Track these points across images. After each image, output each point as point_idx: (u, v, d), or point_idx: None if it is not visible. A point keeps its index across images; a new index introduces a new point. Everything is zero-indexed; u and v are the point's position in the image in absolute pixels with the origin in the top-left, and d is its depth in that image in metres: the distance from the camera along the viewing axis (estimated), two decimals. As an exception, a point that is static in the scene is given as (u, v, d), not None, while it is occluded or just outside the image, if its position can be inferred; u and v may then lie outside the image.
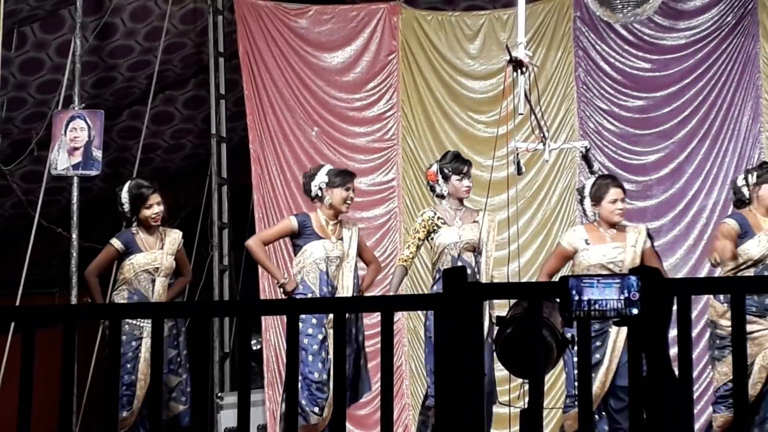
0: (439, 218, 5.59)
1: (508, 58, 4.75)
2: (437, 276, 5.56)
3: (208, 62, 8.09)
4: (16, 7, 6.82)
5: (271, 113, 7.52)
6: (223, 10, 8.05)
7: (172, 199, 8.53)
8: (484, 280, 5.46)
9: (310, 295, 5.49)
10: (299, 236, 5.61)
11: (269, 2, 7.61)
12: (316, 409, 5.42)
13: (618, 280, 2.82)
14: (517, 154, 5.21)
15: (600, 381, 5.18)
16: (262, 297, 7.26)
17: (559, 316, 3.54)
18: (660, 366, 2.83)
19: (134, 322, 5.44)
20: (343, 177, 5.67)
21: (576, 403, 5.12)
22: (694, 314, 5.30)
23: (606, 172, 6.93)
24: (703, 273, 7.01)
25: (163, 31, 7.60)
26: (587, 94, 7.34)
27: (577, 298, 2.82)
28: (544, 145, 5.28)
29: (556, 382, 6.54)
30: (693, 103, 7.22)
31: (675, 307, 2.97)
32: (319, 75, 7.59)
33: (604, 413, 5.27)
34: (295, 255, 5.69)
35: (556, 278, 5.36)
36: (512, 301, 4.76)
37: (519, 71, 4.75)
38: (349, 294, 5.61)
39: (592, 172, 5.74)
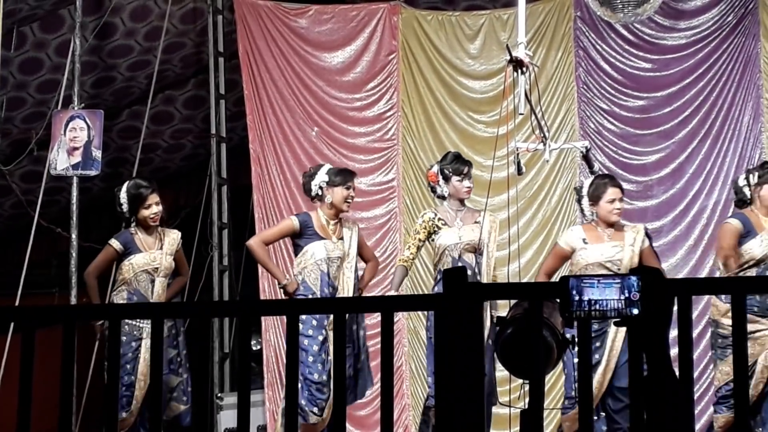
0: (439, 219, 5.59)
1: (508, 57, 4.75)
2: (438, 277, 5.56)
3: (208, 62, 8.09)
4: (16, 7, 6.82)
5: (271, 113, 7.52)
6: (222, 9, 8.05)
7: (171, 199, 8.54)
8: (485, 280, 5.46)
9: (310, 296, 5.49)
10: (300, 236, 5.60)
11: (269, 2, 7.61)
12: (315, 410, 5.42)
13: (618, 280, 2.82)
14: (518, 154, 5.21)
15: (598, 381, 5.18)
16: (262, 297, 7.26)
17: (560, 316, 3.54)
18: (660, 366, 2.83)
19: (134, 322, 5.43)
20: (344, 176, 5.67)
21: (574, 404, 5.14)
22: (694, 314, 5.30)
23: (603, 172, 6.95)
24: (703, 273, 7.01)
25: (162, 31, 7.59)
26: (588, 94, 7.33)
27: (577, 298, 2.81)
28: (545, 145, 5.28)
29: (557, 382, 6.53)
30: (694, 103, 7.22)
31: (675, 308, 2.96)
32: (319, 75, 7.58)
33: (602, 414, 5.27)
34: (296, 255, 5.69)
35: (555, 278, 5.37)
36: (512, 302, 4.76)
37: (519, 71, 4.75)
38: (350, 293, 5.60)
39: (592, 172, 5.74)
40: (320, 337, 5.48)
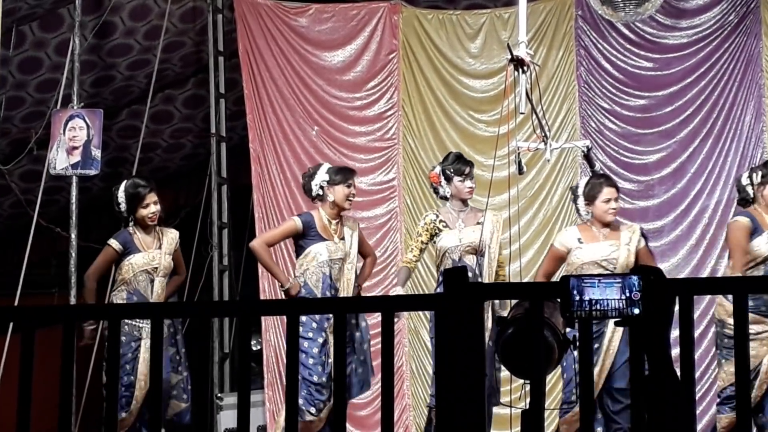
0: (441, 221, 5.60)
1: (509, 57, 4.74)
2: (440, 279, 5.56)
3: (208, 61, 8.08)
4: (15, 6, 6.81)
5: (271, 112, 7.51)
6: (222, 8, 8.04)
7: (171, 199, 8.53)
8: (486, 282, 5.45)
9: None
10: (303, 237, 5.60)
11: (269, 1, 7.60)
12: (313, 410, 5.43)
13: (619, 280, 2.80)
14: (518, 153, 5.20)
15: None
16: (262, 297, 7.25)
17: (561, 316, 3.52)
18: (661, 366, 2.81)
19: (133, 322, 5.42)
20: (344, 174, 5.67)
21: (570, 408, 5.14)
22: (696, 314, 5.29)
23: (605, 172, 6.94)
24: (705, 273, 7.00)
25: (162, 30, 7.58)
26: (589, 93, 7.33)
27: (578, 298, 2.80)
28: (546, 144, 5.27)
29: (558, 382, 6.52)
30: (695, 103, 7.21)
31: (677, 308, 2.95)
32: (320, 74, 7.57)
33: (599, 415, 5.26)
34: (297, 256, 5.68)
35: (555, 279, 5.36)
36: (513, 302, 4.75)
37: (520, 70, 4.74)
38: (350, 292, 5.60)
39: (593, 172, 5.74)
40: (320, 339, 5.48)
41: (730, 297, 5.19)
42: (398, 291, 5.58)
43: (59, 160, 6.78)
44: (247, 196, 7.81)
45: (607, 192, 5.36)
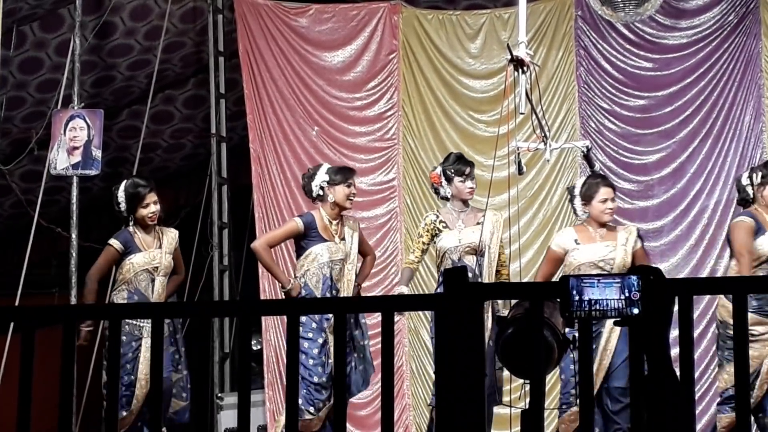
0: (441, 221, 5.61)
1: (509, 57, 4.74)
2: (440, 279, 5.56)
3: (208, 61, 8.08)
4: (16, 6, 6.81)
5: (271, 112, 7.51)
6: (222, 8, 8.04)
7: (171, 199, 8.54)
8: (486, 282, 5.46)
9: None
10: (304, 237, 5.61)
11: (269, 1, 7.60)
12: (312, 409, 5.44)
13: (619, 280, 2.81)
14: (518, 153, 5.21)
15: None
16: (262, 297, 7.25)
17: (560, 316, 3.53)
18: (661, 366, 2.82)
19: (134, 322, 5.42)
20: (344, 174, 5.68)
21: (568, 407, 5.15)
22: (695, 314, 5.30)
23: (604, 172, 6.94)
24: (704, 273, 7.01)
25: (162, 30, 7.59)
26: (588, 93, 7.33)
27: (577, 298, 2.81)
28: (545, 144, 5.27)
29: (558, 382, 6.53)
30: (695, 103, 7.21)
31: (676, 308, 2.95)
32: (320, 74, 7.58)
33: (597, 416, 5.27)
34: (298, 257, 5.68)
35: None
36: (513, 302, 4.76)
37: (520, 70, 4.74)
38: (350, 292, 5.61)
39: (593, 172, 5.74)
40: (320, 340, 5.49)
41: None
42: (403, 290, 5.58)
43: (60, 160, 6.78)
44: (247, 196, 7.82)
45: (603, 192, 5.37)
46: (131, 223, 5.63)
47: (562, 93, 7.36)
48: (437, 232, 5.61)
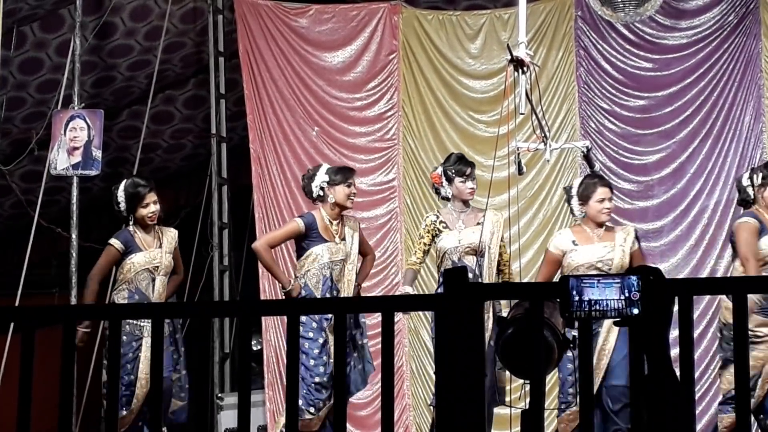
0: (441, 222, 5.61)
1: (509, 57, 4.74)
2: (441, 279, 5.57)
3: (208, 62, 8.09)
4: (16, 7, 6.82)
5: (272, 113, 7.51)
6: (223, 9, 8.04)
7: (172, 199, 8.54)
8: (486, 282, 5.46)
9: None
10: (305, 238, 5.61)
11: (269, 1, 7.60)
12: (312, 409, 5.44)
13: (618, 280, 2.81)
14: (518, 153, 5.20)
15: None
16: (262, 297, 7.25)
17: (560, 316, 3.53)
18: (661, 366, 2.82)
19: (135, 322, 5.43)
20: (344, 173, 5.68)
21: (567, 407, 5.15)
22: (695, 315, 5.29)
23: (602, 172, 6.93)
24: (704, 273, 7.00)
25: (162, 31, 7.59)
26: (588, 93, 7.33)
27: (577, 298, 2.81)
28: (545, 144, 5.27)
29: (558, 383, 6.53)
30: (695, 103, 7.21)
31: (676, 308, 2.96)
32: (320, 74, 7.58)
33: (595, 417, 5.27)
34: (299, 257, 5.69)
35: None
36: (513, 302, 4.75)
37: (520, 71, 4.74)
38: (350, 292, 5.61)
39: (593, 172, 5.74)
40: (320, 340, 5.49)
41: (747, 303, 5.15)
42: (407, 290, 5.59)
43: (60, 160, 6.79)
44: (247, 196, 7.82)
45: (601, 192, 5.37)
46: (131, 223, 5.64)
47: (562, 93, 7.35)
48: (437, 232, 5.61)
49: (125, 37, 7.76)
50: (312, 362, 5.46)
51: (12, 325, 5.64)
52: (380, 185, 7.47)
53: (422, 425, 7.14)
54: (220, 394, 7.48)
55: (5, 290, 7.29)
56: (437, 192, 5.76)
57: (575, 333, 4.05)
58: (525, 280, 6.70)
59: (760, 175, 5.47)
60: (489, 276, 5.54)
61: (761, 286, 4.08)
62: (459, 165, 5.64)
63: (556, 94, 7.35)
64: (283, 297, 5.64)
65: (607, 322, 5.12)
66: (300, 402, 5.33)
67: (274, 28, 7.57)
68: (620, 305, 2.80)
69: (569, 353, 4.72)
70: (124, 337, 5.41)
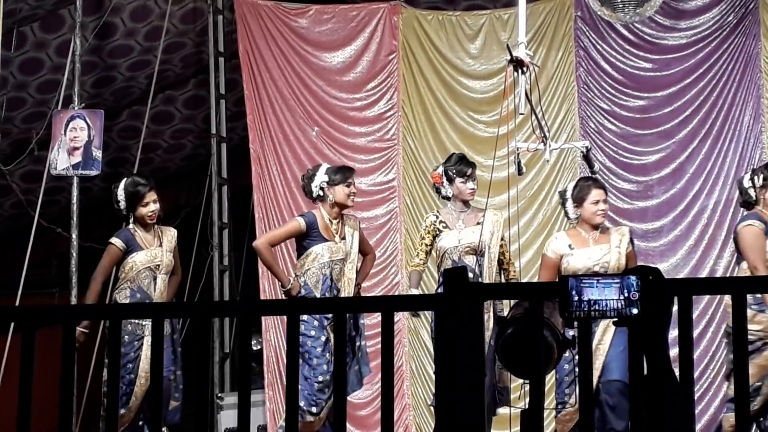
0: (441, 222, 5.62)
1: (508, 57, 4.74)
2: (440, 279, 5.57)
3: (208, 62, 8.09)
4: (16, 7, 6.82)
5: (271, 113, 7.52)
6: (223, 9, 8.05)
7: (172, 199, 8.54)
8: (486, 282, 5.46)
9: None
10: (305, 237, 5.62)
11: (269, 2, 7.60)
12: (314, 409, 5.43)
13: (618, 280, 2.82)
14: (518, 154, 5.20)
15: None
16: (262, 297, 7.25)
17: (560, 316, 3.54)
18: (660, 366, 2.82)
19: (137, 322, 5.43)
20: (343, 173, 5.69)
21: (563, 408, 5.15)
22: (694, 315, 5.30)
23: (600, 173, 6.94)
24: (704, 273, 7.01)
25: (163, 31, 7.60)
26: (588, 93, 7.33)
27: (576, 298, 2.82)
28: (545, 145, 5.27)
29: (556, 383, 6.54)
30: (694, 103, 7.21)
31: (675, 308, 2.96)
32: (320, 75, 7.58)
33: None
34: (299, 256, 5.69)
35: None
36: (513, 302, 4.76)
37: (520, 71, 4.74)
38: (350, 291, 5.62)
39: (593, 172, 5.74)
40: (323, 338, 5.49)
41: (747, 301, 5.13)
42: (414, 293, 5.59)
43: (60, 160, 6.79)
44: (247, 196, 7.82)
45: (595, 194, 5.38)
46: (131, 222, 5.65)
47: (561, 93, 7.36)
48: (437, 232, 5.62)
49: (125, 38, 7.76)
50: (315, 361, 5.46)
51: (12, 325, 5.64)
52: (380, 185, 7.48)
53: (422, 425, 7.15)
54: (220, 394, 7.48)
55: (5, 290, 7.29)
56: (438, 192, 5.77)
57: (574, 333, 4.06)
58: (524, 280, 6.70)
59: (761, 176, 5.46)
60: (489, 276, 5.54)
61: (761, 287, 4.08)
62: (460, 165, 5.64)
63: (556, 95, 7.35)
64: (283, 296, 5.65)
65: (603, 322, 5.12)
66: (302, 403, 5.33)
67: (274, 28, 7.57)
68: (619, 305, 2.81)
69: (567, 353, 4.72)
70: (126, 337, 5.42)
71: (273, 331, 7.25)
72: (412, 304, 4.19)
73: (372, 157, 7.51)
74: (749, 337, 5.15)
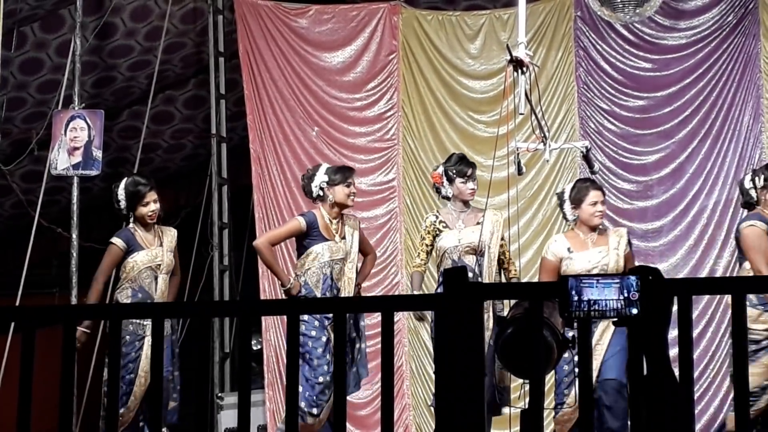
0: (441, 222, 5.62)
1: (508, 57, 4.74)
2: (440, 279, 5.57)
3: (208, 62, 8.09)
4: (16, 7, 6.82)
5: (271, 113, 7.52)
6: (223, 9, 8.05)
7: (172, 200, 8.55)
8: (486, 281, 5.46)
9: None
10: (306, 236, 5.62)
11: (269, 2, 7.61)
12: (315, 410, 5.43)
13: (617, 280, 2.82)
14: (518, 154, 5.21)
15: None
16: (262, 297, 7.26)
17: (560, 316, 3.54)
18: (660, 366, 2.83)
19: (138, 322, 5.43)
20: (343, 173, 5.69)
21: (563, 408, 5.15)
22: (694, 315, 5.30)
23: (599, 173, 6.94)
24: (703, 273, 7.01)
25: (163, 31, 7.60)
26: (588, 93, 7.33)
27: (576, 298, 2.82)
28: (545, 145, 5.27)
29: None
30: (694, 103, 7.21)
31: (675, 308, 2.96)
32: (320, 75, 7.58)
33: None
34: (299, 256, 5.69)
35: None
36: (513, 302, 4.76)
37: (519, 71, 4.74)
38: (351, 291, 5.62)
39: (592, 172, 5.75)
40: (323, 338, 5.49)
41: (753, 301, 5.14)
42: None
43: (60, 160, 6.79)
44: (247, 196, 7.82)
45: (593, 195, 5.38)
46: (131, 222, 5.65)
47: (561, 93, 7.36)
48: (438, 232, 5.62)
49: (125, 38, 7.76)
50: (316, 362, 5.45)
51: (12, 325, 5.65)
52: (380, 185, 7.48)
53: (422, 425, 7.15)
54: (220, 394, 7.49)
55: (5, 290, 7.30)
56: (438, 191, 5.77)
57: (574, 333, 4.06)
58: (524, 280, 6.70)
59: (762, 176, 5.47)
60: (489, 276, 5.54)
61: (760, 287, 4.08)
62: (460, 165, 5.65)
63: (556, 95, 7.35)
64: (284, 296, 5.65)
65: (603, 322, 5.13)
66: (302, 404, 5.33)
67: (274, 28, 7.57)
68: (619, 305, 2.81)
69: (566, 354, 4.73)
70: (128, 337, 5.42)
71: (273, 331, 7.25)
72: (412, 304, 4.19)
73: (372, 157, 7.51)
74: (755, 336, 5.22)
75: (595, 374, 5.19)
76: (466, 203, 5.68)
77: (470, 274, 5.26)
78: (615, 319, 2.89)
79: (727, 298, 5.27)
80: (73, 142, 6.79)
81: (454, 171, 5.63)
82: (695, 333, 6.44)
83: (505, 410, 5.43)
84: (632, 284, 2.80)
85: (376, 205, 7.43)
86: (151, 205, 5.60)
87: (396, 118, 7.52)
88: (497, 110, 6.76)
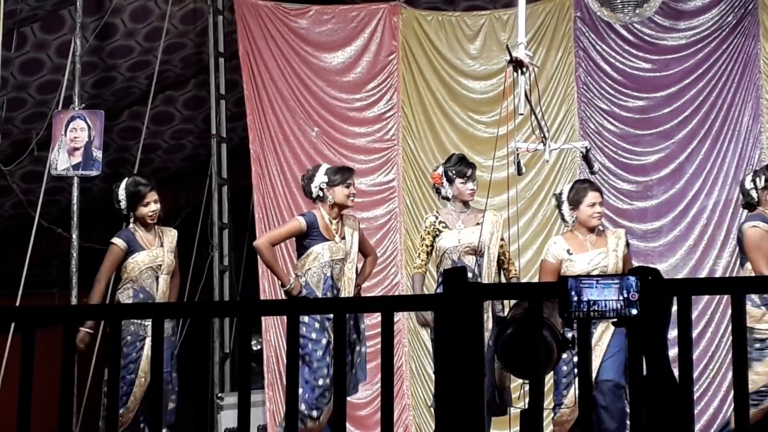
0: (440, 222, 5.63)
1: (508, 58, 4.75)
2: (440, 279, 5.58)
3: (208, 62, 8.10)
4: (16, 8, 6.82)
5: (271, 113, 7.52)
6: (223, 10, 8.05)
7: (172, 200, 8.55)
8: (486, 282, 5.47)
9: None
10: (306, 236, 5.62)
11: (269, 2, 7.61)
12: (314, 413, 5.42)
13: (617, 281, 2.82)
14: (518, 154, 5.21)
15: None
16: (262, 297, 7.26)
17: (559, 316, 3.54)
18: (659, 366, 2.83)
19: (139, 322, 5.43)
20: (343, 174, 5.69)
21: (560, 409, 5.15)
22: (694, 315, 5.31)
23: (602, 173, 6.95)
24: (703, 273, 7.01)
25: (163, 32, 7.60)
26: (587, 94, 7.33)
27: (576, 298, 2.82)
28: (545, 145, 5.27)
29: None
30: (693, 104, 7.21)
31: (675, 308, 2.96)
32: (320, 75, 7.58)
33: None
34: (299, 256, 5.70)
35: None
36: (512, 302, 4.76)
37: (519, 71, 4.75)
38: (351, 291, 5.62)
39: (592, 173, 5.76)
40: (324, 341, 5.48)
41: (756, 301, 5.15)
42: None
43: (60, 161, 6.80)
44: (247, 196, 7.82)
45: (591, 196, 5.39)
46: (131, 222, 5.65)
47: (561, 94, 7.36)
48: (437, 232, 5.63)
49: (125, 38, 7.77)
50: (315, 364, 5.45)
51: (12, 325, 5.65)
52: (380, 186, 7.48)
53: (422, 425, 7.15)
54: (220, 394, 7.49)
55: (6, 290, 7.30)
56: (437, 192, 5.78)
57: (573, 333, 4.06)
58: (524, 281, 6.70)
59: (763, 177, 5.48)
60: (488, 276, 5.54)
61: (760, 287, 4.08)
62: (460, 166, 5.65)
63: (555, 95, 7.35)
64: (284, 296, 5.65)
65: (602, 324, 5.13)
66: (302, 407, 5.32)
67: (274, 28, 7.58)
68: (619, 306, 2.81)
69: (564, 354, 4.73)
70: (129, 337, 5.42)
71: (273, 331, 7.26)
72: (412, 304, 4.19)
73: (372, 158, 7.51)
74: (761, 335, 5.22)
75: (593, 374, 5.19)
76: (465, 204, 5.69)
77: (470, 275, 5.27)
78: (614, 320, 2.89)
79: (727, 298, 5.30)
80: (73, 143, 6.79)
81: (454, 171, 5.63)
82: (695, 333, 6.45)
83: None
84: (632, 285, 2.80)
85: (376, 205, 7.44)
86: (152, 206, 5.61)
87: (396, 119, 7.52)
88: (497, 111, 6.76)
